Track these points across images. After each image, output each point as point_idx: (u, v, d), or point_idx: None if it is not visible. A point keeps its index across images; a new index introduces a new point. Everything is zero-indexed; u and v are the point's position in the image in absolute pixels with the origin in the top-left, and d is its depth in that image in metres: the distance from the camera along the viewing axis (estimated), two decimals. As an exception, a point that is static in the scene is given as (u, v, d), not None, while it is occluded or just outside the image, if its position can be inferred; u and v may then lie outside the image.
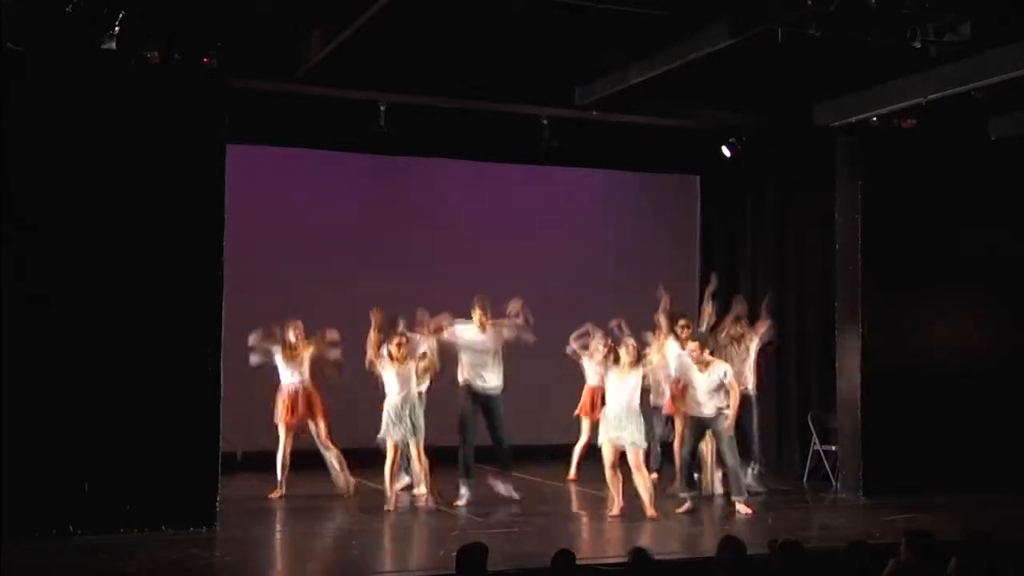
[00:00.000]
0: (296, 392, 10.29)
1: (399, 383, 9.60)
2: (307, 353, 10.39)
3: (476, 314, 10.01)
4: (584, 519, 9.87)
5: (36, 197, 8.33)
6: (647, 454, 9.91)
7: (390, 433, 9.58)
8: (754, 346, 10.72)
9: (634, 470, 9.31)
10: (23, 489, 8.03)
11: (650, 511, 9.30)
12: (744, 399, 10.11)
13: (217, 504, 8.67)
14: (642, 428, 9.36)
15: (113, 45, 8.23)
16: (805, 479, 11.48)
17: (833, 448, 11.18)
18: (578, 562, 5.95)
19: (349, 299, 12.45)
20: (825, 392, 11.69)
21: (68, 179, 8.42)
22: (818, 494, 10.92)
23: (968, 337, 11.03)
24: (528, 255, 13.53)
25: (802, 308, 12.35)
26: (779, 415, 12.39)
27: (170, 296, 8.63)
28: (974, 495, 10.13)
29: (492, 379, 10.04)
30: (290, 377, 10.33)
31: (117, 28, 8.17)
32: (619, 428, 9.32)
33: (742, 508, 9.63)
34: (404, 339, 9.71)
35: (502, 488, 10.10)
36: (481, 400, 10.03)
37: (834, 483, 11.00)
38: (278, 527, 9.40)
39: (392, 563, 8.23)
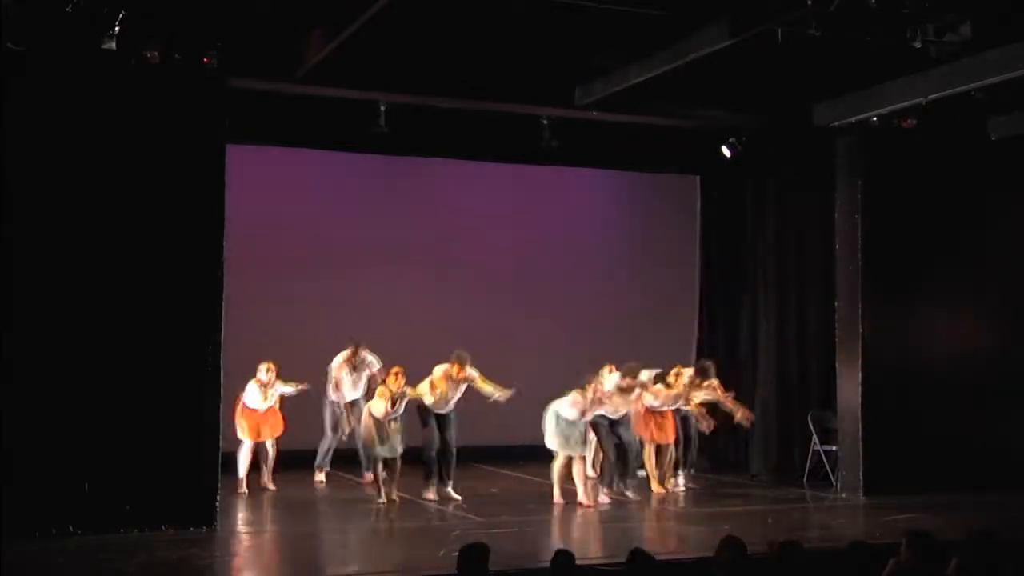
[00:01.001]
0: (261, 413, 10.63)
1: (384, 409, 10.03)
2: (277, 391, 10.73)
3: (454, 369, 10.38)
4: (584, 519, 9.87)
5: (36, 197, 8.32)
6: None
7: (376, 450, 10.05)
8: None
9: (577, 466, 10.17)
10: (23, 489, 8.03)
11: (586, 500, 10.02)
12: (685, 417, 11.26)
13: (217, 504, 8.67)
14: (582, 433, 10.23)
15: (113, 45, 8.24)
16: (805, 479, 11.48)
17: (833, 448, 11.18)
18: (578, 562, 5.94)
19: (349, 299, 12.49)
20: (825, 392, 11.70)
21: (68, 179, 8.41)
22: (818, 494, 10.92)
23: (968, 337, 11.03)
24: (528, 255, 13.54)
25: (802, 308, 12.34)
26: (779, 415, 12.38)
27: (170, 296, 8.63)
28: (974, 495, 10.13)
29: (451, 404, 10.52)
30: (257, 402, 10.62)
31: (117, 28, 8.18)
32: (573, 442, 10.09)
33: (604, 498, 10.34)
34: (399, 372, 10.19)
35: (453, 495, 10.31)
36: (439, 417, 10.46)
37: (834, 483, 11.00)
38: (278, 527, 9.41)
39: (393, 563, 8.22)
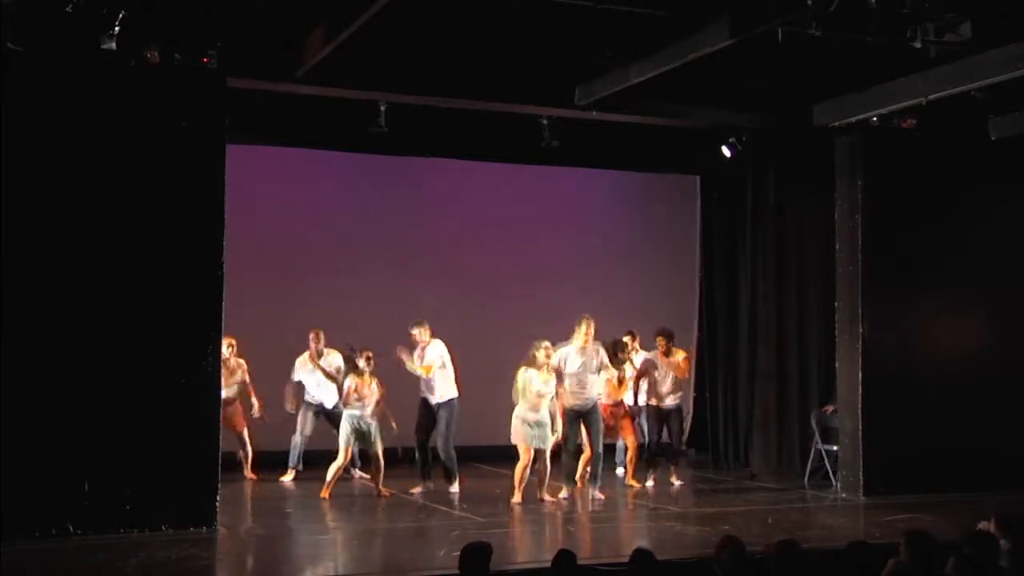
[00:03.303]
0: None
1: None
2: (237, 374, 11.02)
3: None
4: (584, 519, 9.88)
5: (36, 197, 8.33)
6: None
7: (351, 442, 10.36)
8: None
9: (539, 462, 10.19)
10: (23, 489, 8.03)
11: (546, 496, 10.17)
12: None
13: (217, 504, 8.67)
14: (550, 428, 10.21)
15: (113, 45, 8.23)
16: (805, 479, 11.49)
17: (834, 448, 11.18)
18: (579, 562, 5.94)
19: (349, 298, 12.50)
20: (825, 392, 11.70)
21: (68, 179, 8.42)
22: (818, 494, 10.93)
23: (968, 337, 11.03)
24: (528, 255, 13.55)
25: (802, 308, 12.34)
26: (779, 415, 12.39)
27: (170, 296, 8.63)
28: (974, 495, 10.13)
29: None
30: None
31: (117, 28, 8.17)
32: (540, 435, 10.09)
33: (599, 494, 10.45)
34: (370, 356, 10.38)
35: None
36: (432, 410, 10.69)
37: (834, 483, 11.01)
38: (278, 527, 9.40)
39: (393, 563, 8.22)
